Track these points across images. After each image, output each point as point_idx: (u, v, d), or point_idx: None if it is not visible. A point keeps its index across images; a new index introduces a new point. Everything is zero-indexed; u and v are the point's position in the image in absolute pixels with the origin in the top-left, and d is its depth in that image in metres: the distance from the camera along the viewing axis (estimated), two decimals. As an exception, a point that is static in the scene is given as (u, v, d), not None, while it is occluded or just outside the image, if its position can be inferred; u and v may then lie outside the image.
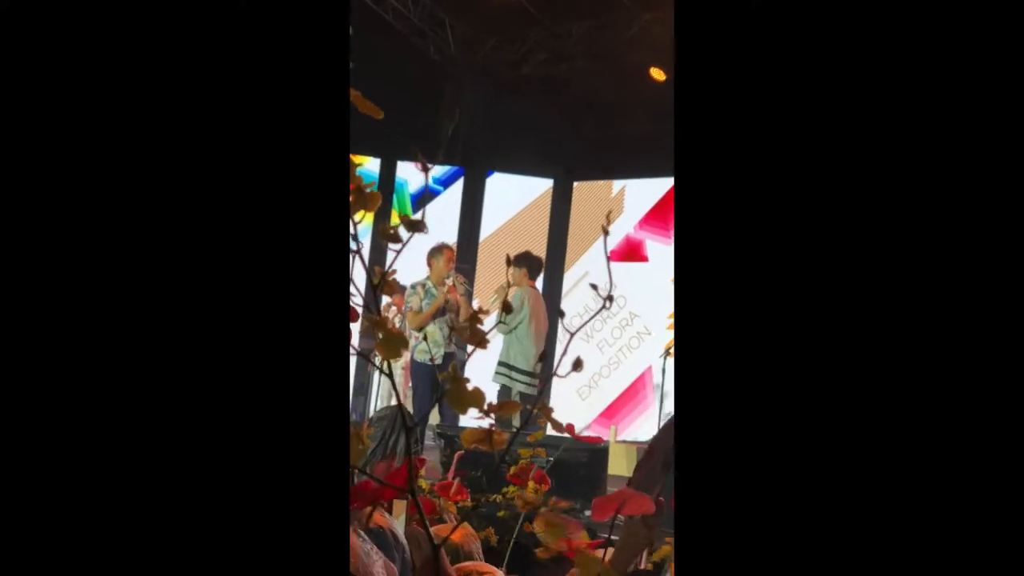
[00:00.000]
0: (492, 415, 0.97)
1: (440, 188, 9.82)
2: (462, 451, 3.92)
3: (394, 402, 7.52)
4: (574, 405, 8.76)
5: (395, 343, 0.93)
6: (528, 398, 6.24)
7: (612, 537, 1.04)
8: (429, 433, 6.03)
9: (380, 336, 0.95)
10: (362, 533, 1.48)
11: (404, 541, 1.63)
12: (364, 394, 8.16)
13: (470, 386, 0.99)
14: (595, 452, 4.66)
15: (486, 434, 0.96)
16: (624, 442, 6.65)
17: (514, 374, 6.29)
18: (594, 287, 1.11)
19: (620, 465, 5.51)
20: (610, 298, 1.05)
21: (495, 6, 8.48)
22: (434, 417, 6.34)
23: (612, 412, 8.83)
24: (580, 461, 4.43)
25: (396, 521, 1.71)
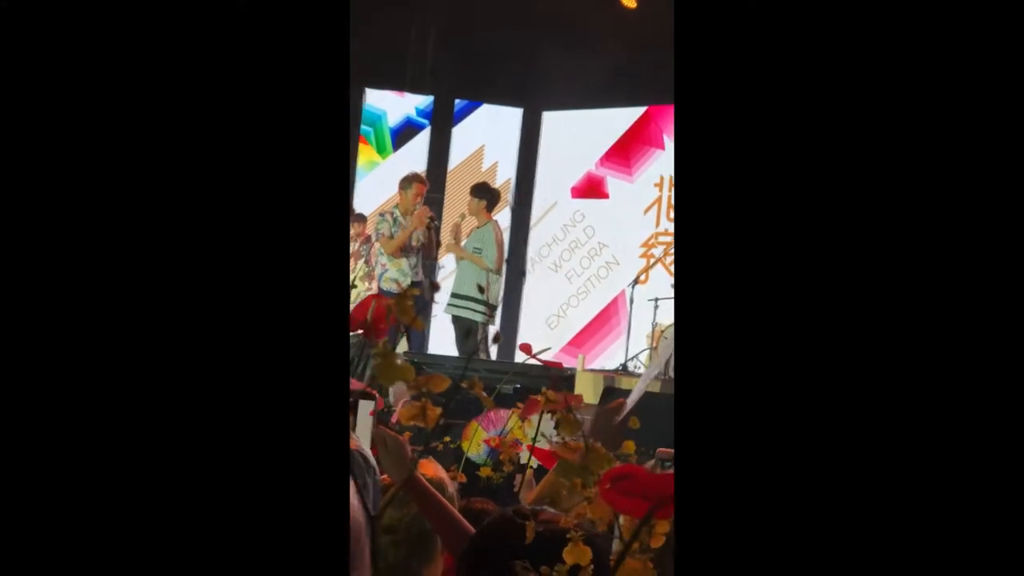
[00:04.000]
0: (422, 388, 0.98)
1: (425, 121, 9.60)
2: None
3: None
4: (542, 334, 8.81)
5: (392, 372, 0.94)
6: (480, 328, 6.29)
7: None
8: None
9: (379, 361, 0.96)
10: None
11: (374, 462, 1.65)
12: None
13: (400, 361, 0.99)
14: (561, 380, 4.71)
15: (420, 410, 0.97)
16: (592, 371, 6.72)
17: (466, 303, 6.34)
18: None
19: (588, 394, 5.59)
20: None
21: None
22: (403, 347, 6.38)
23: (580, 341, 8.89)
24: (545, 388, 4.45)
25: (358, 437, 1.74)
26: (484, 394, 1.13)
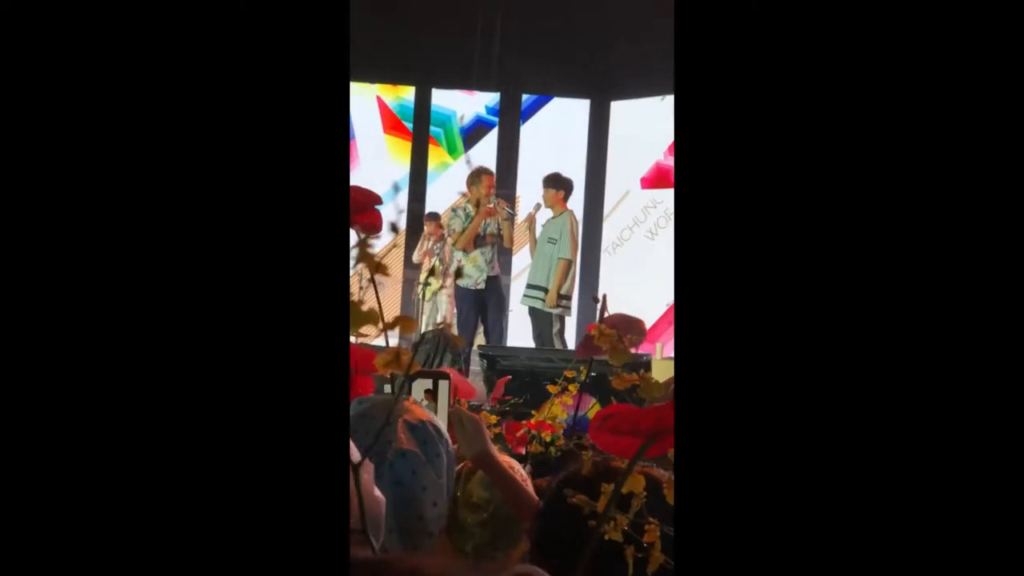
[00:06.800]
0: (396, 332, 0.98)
1: (494, 119, 9.63)
2: (507, 376, 3.99)
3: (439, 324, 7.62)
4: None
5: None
6: (555, 319, 6.28)
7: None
8: (475, 358, 6.11)
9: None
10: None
11: (446, 434, 1.68)
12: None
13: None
14: (638, 367, 4.68)
15: (394, 354, 0.98)
16: (670, 359, 6.68)
17: (541, 294, 6.33)
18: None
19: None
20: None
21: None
22: (480, 340, 6.42)
23: (658, 330, 8.85)
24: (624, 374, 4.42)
25: (437, 416, 1.76)
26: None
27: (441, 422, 1.75)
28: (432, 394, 1.92)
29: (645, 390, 0.96)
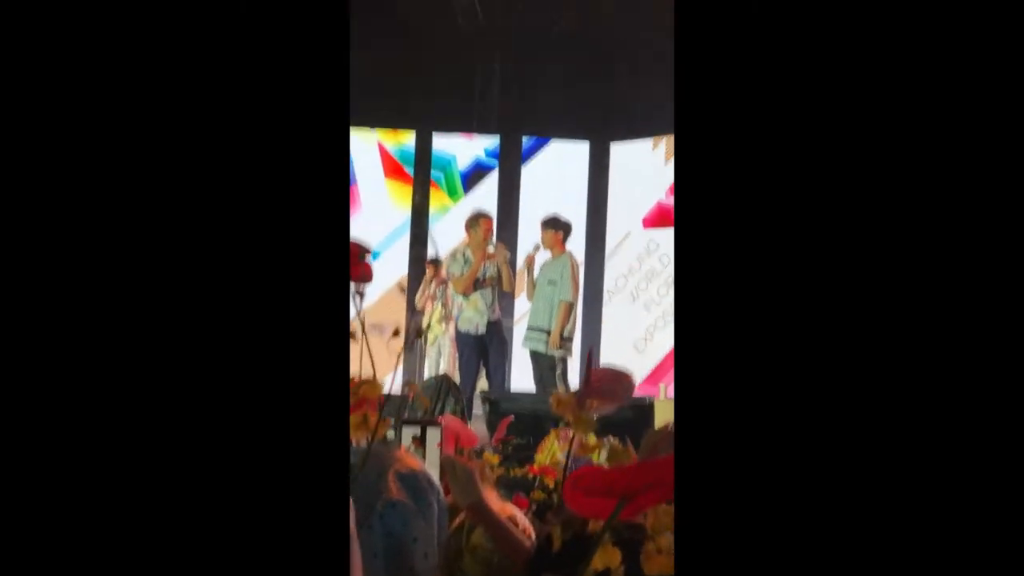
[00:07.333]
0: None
1: (494, 162, 9.67)
2: (511, 417, 3.95)
3: (441, 370, 7.59)
4: (631, 359, 8.73)
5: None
6: (557, 361, 6.24)
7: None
8: (477, 402, 6.06)
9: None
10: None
11: (438, 484, 1.65)
12: (414, 365, 8.24)
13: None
14: (641, 409, 4.64)
15: (362, 416, 0.97)
16: (672, 400, 6.63)
17: (543, 336, 6.29)
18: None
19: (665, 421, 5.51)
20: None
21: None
22: (483, 386, 6.38)
23: (662, 371, 8.80)
24: (626, 418, 4.42)
25: (428, 464, 1.73)
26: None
27: (433, 470, 1.72)
28: (420, 440, 1.90)
29: (612, 457, 0.94)
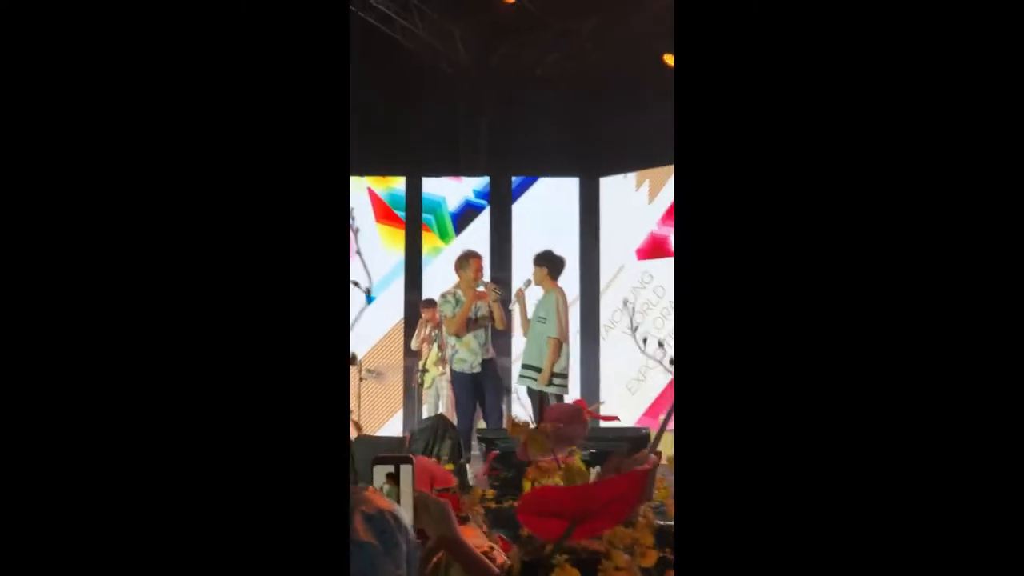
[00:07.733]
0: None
1: (483, 202, 9.72)
2: (496, 451, 3.93)
3: (439, 411, 7.56)
4: (623, 400, 8.71)
5: None
6: (554, 399, 6.20)
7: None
8: (474, 443, 6.03)
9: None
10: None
11: (406, 523, 1.62)
12: (413, 406, 8.23)
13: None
14: (636, 440, 4.62)
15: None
16: (670, 431, 6.58)
17: (537, 374, 6.26)
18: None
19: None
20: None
21: (503, 10, 8.52)
22: (480, 424, 6.35)
23: (663, 403, 8.76)
24: (622, 452, 4.39)
25: (399, 505, 1.71)
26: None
27: (405, 509, 1.70)
28: (394, 478, 1.87)
29: (567, 477, 0.93)
